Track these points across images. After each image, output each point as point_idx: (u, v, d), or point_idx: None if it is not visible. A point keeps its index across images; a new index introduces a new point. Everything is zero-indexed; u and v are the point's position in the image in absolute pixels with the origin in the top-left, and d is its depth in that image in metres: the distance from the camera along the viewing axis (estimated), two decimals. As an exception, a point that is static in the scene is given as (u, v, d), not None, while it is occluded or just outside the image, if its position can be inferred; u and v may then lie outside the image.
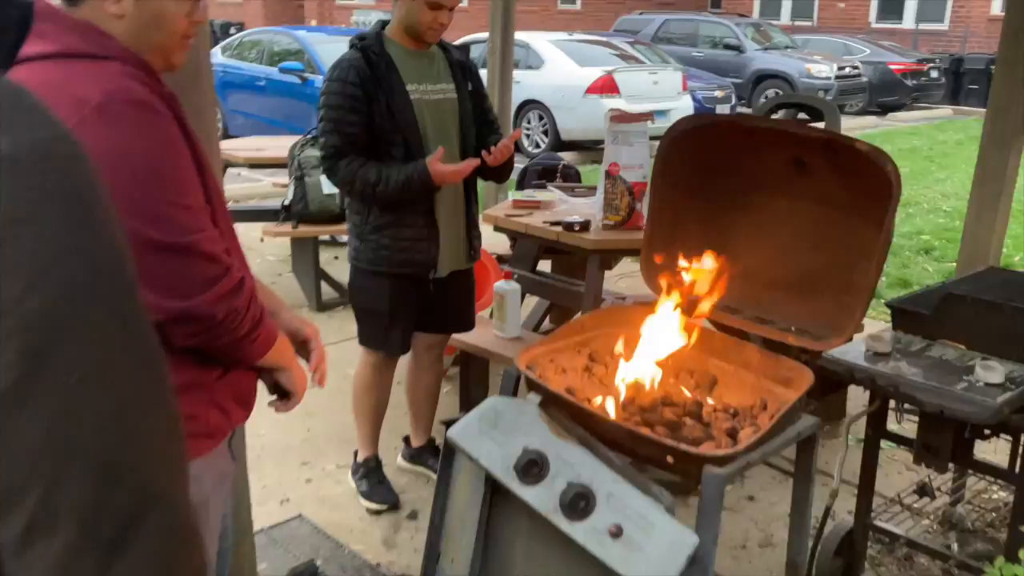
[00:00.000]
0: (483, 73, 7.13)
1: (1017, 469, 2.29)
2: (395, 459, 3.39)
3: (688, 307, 2.17)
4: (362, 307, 3.01)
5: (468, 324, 3.22)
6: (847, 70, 15.17)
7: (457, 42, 13.25)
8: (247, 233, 6.46)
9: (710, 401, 2.07)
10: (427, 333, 3.13)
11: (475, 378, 3.64)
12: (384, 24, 2.88)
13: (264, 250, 6.06)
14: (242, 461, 2.23)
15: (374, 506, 3.10)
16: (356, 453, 3.25)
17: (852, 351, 2.31)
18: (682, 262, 2.21)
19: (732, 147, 2.19)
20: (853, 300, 2.00)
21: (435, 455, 3.23)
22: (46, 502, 0.66)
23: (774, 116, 3.59)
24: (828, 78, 14.71)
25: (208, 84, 2.00)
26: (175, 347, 1.39)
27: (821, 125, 3.63)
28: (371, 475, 3.17)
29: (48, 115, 0.72)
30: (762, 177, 2.16)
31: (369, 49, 2.74)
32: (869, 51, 16.98)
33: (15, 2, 0.80)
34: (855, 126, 14.61)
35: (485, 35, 7.47)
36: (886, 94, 16.40)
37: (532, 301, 4.42)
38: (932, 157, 11.11)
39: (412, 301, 2.94)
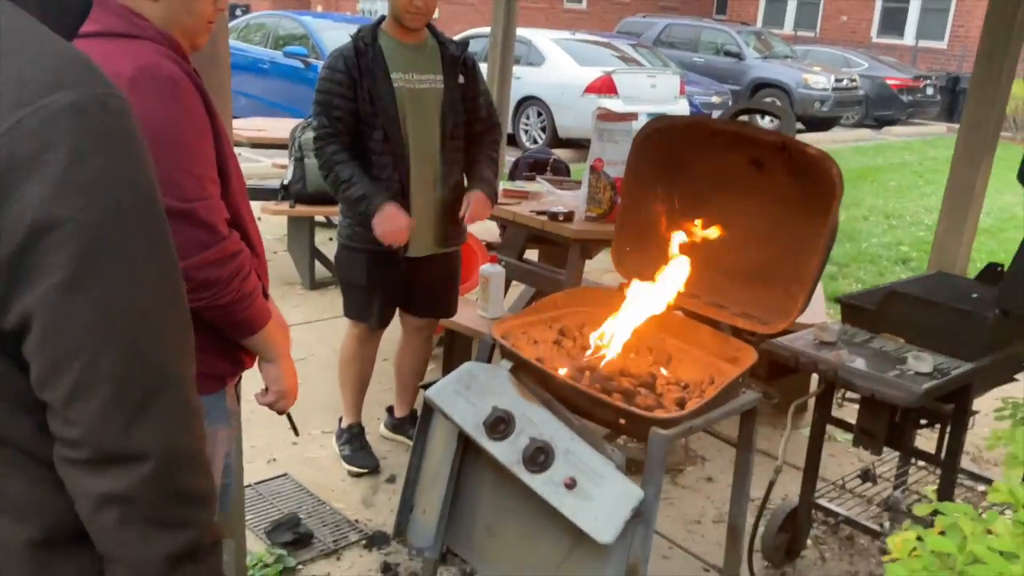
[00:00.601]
0: (483, 67, 7.33)
1: (943, 454, 2.49)
2: (378, 428, 3.59)
3: (652, 291, 2.37)
4: (344, 281, 3.24)
5: (449, 310, 3.42)
6: (844, 82, 15.38)
7: (459, 36, 13.44)
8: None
9: (665, 374, 2.27)
10: (412, 316, 3.35)
11: (458, 355, 3.84)
12: (383, 19, 3.07)
13: (262, 228, 6.23)
14: (239, 423, 2.41)
15: (355, 469, 3.30)
16: (340, 420, 3.45)
17: (801, 339, 2.52)
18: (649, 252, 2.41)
19: (698, 147, 2.39)
20: (799, 289, 2.20)
21: (415, 425, 3.43)
22: (89, 369, 0.88)
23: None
24: (825, 89, 14.92)
25: (225, 63, 2.18)
26: None
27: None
28: (353, 440, 3.37)
29: (105, 77, 0.93)
30: (724, 175, 2.36)
31: (361, 39, 2.95)
32: (868, 65, 17.21)
33: None
34: (850, 138, 14.86)
35: (488, 30, 7.65)
36: (882, 108, 16.64)
37: (520, 288, 4.63)
38: (921, 172, 11.34)
39: (389, 276, 3.13)
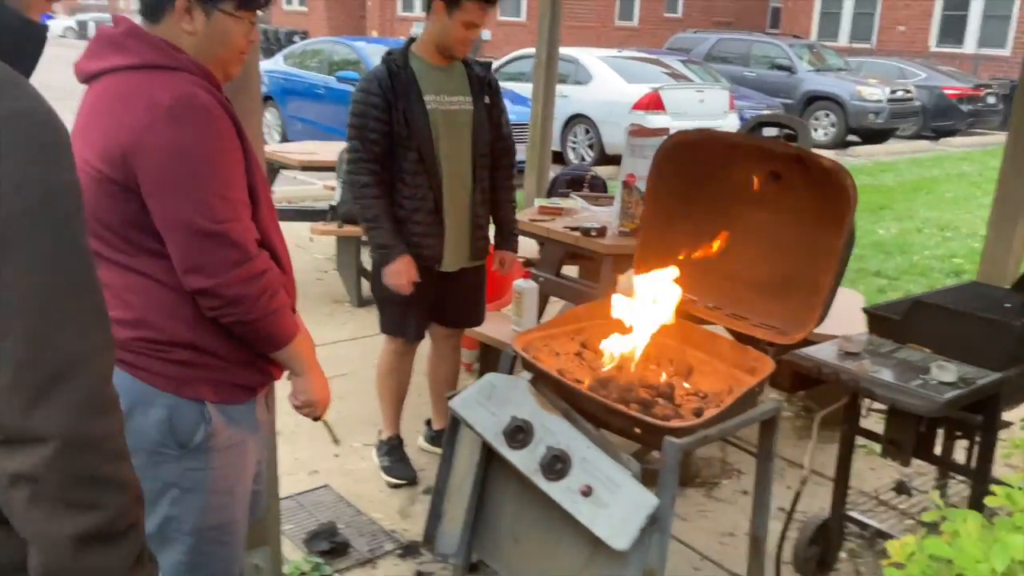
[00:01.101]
0: (528, 87, 7.39)
1: (973, 464, 2.46)
2: (416, 440, 3.67)
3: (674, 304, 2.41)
4: (381, 296, 3.30)
5: (478, 319, 3.51)
6: (900, 93, 15.12)
7: (508, 56, 13.54)
8: (298, 232, 6.85)
9: (686, 385, 2.30)
10: (443, 327, 3.45)
11: (493, 369, 3.89)
12: (412, 40, 3.16)
13: (313, 248, 6.41)
14: (272, 431, 2.51)
15: (393, 480, 3.38)
16: (380, 432, 3.54)
17: (825, 350, 2.52)
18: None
19: (718, 160, 2.42)
20: (818, 299, 2.22)
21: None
22: None
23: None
24: (879, 101, 14.69)
25: (256, 91, 2.29)
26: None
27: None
28: (392, 452, 3.46)
29: (34, 93, 1.02)
30: (743, 188, 2.39)
31: (393, 62, 3.03)
32: (925, 75, 16.87)
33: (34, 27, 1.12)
34: (906, 150, 14.59)
35: (535, 50, 7.75)
36: (940, 119, 16.30)
37: (559, 304, 4.68)
38: (979, 183, 11.07)
39: (423, 292, 3.19)
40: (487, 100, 3.16)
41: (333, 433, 2.19)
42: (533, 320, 3.72)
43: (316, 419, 2.02)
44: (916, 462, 2.70)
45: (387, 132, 3.03)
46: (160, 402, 1.70)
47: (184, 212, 1.59)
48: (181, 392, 1.71)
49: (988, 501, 1.41)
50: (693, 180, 2.48)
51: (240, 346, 1.75)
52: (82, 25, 40.61)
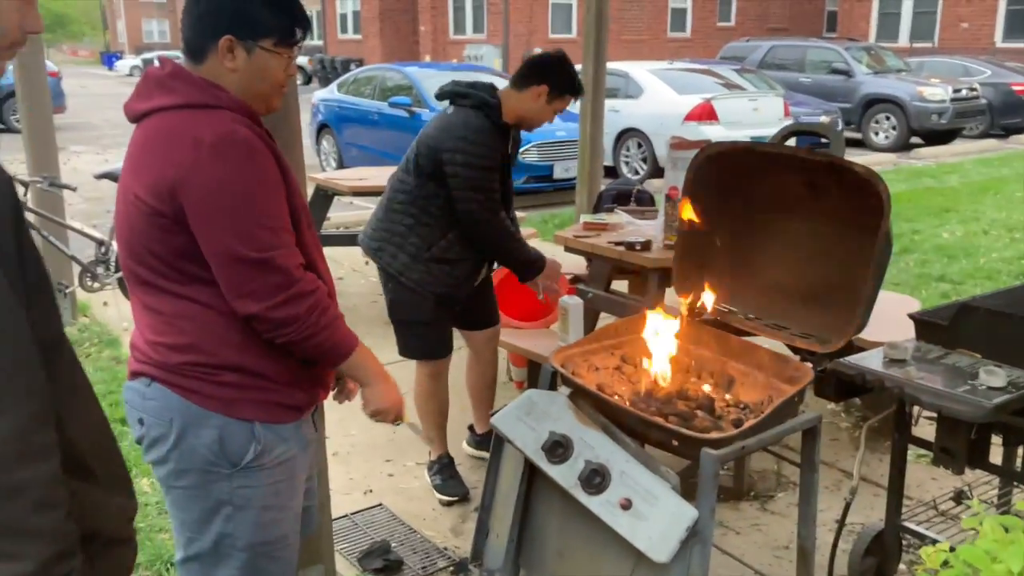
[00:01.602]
0: (577, 103, 7.46)
1: (1028, 471, 2.40)
2: (460, 446, 3.74)
3: (712, 316, 2.41)
4: (403, 319, 3.35)
5: (497, 315, 3.67)
6: (964, 92, 14.73)
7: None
8: (354, 256, 6.98)
9: (727, 397, 2.30)
10: (478, 331, 3.54)
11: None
12: (494, 91, 3.19)
13: (368, 271, 6.53)
14: (324, 452, 2.58)
15: (446, 498, 3.43)
16: (430, 452, 3.59)
17: (871, 358, 2.49)
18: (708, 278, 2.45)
19: (751, 171, 2.42)
20: (857, 307, 2.20)
21: (481, 438, 3.63)
22: None
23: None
24: (943, 101, 14.33)
25: (296, 122, 2.38)
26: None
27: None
28: (444, 471, 3.51)
29: None
30: (778, 198, 2.39)
31: (496, 122, 3.14)
32: (990, 72, 16.40)
33: None
34: (973, 150, 14.20)
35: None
36: (1009, 116, 15.82)
37: (609, 319, 4.69)
38: (1051, 181, 10.72)
39: (450, 311, 3.36)
40: (510, 151, 3.33)
41: (419, 431, 2.21)
42: (579, 335, 3.73)
43: (396, 423, 2.06)
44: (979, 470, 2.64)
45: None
46: (211, 423, 1.78)
47: (230, 242, 1.67)
48: (231, 413, 1.78)
49: (1019, 505, 1.38)
50: (727, 191, 2.48)
51: (287, 368, 1.83)
52: (148, 63, 42.08)
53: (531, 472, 2.33)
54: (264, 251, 1.69)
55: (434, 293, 3.24)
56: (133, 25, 57.15)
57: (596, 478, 2.05)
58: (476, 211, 3.09)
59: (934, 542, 2.67)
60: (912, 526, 2.72)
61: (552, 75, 3.14)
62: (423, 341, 3.38)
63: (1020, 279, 6.53)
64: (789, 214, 2.41)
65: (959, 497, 2.81)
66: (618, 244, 3.78)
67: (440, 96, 3.24)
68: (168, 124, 1.72)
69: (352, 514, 3.34)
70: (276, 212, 1.74)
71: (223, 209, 1.67)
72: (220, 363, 1.77)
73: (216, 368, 1.77)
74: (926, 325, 2.55)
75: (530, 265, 3.29)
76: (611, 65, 8.21)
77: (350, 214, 8.69)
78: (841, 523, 2.54)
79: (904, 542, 2.95)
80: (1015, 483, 2.93)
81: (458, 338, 3.54)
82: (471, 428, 3.76)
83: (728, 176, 2.48)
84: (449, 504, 3.42)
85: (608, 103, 7.59)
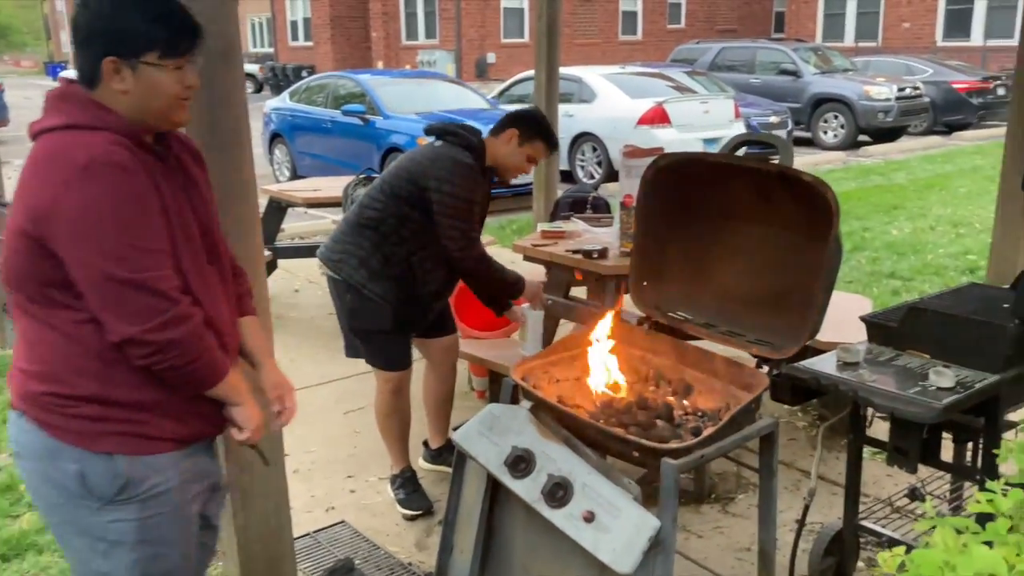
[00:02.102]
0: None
1: (979, 467, 2.46)
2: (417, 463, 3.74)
3: (667, 324, 2.43)
4: (364, 328, 3.35)
5: (453, 323, 3.68)
6: (908, 91, 15.07)
7: (513, 79, 13.57)
8: (310, 267, 6.91)
9: (685, 404, 2.32)
10: (434, 339, 3.54)
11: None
12: (479, 135, 3.32)
13: (324, 282, 6.47)
14: (281, 471, 2.55)
15: (410, 512, 3.41)
16: (392, 467, 3.57)
17: (825, 361, 2.53)
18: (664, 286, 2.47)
19: (703, 181, 2.45)
20: (810, 312, 2.24)
21: (451, 453, 3.55)
22: None
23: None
24: (888, 99, 14.65)
25: (246, 139, 2.34)
26: (139, 367, 1.70)
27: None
28: (407, 484, 3.49)
29: None
30: (730, 206, 2.42)
31: (482, 169, 3.28)
32: (932, 71, 16.81)
33: None
34: (918, 146, 14.53)
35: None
36: (951, 113, 16.23)
37: (570, 326, 4.71)
38: (993, 177, 10.95)
39: (410, 319, 3.37)
40: None
41: (264, 455, 2.14)
42: (538, 344, 3.75)
43: (253, 446, 1.98)
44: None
45: None
46: (71, 456, 1.72)
47: (101, 263, 1.63)
48: (89, 446, 1.73)
49: (971, 507, 1.42)
50: (680, 202, 2.51)
51: (155, 398, 1.76)
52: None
53: (494, 487, 2.33)
54: (139, 272, 1.64)
55: (394, 303, 3.25)
56: (77, 35, 55.78)
57: (559, 491, 2.06)
58: (458, 238, 3.18)
59: (891, 540, 2.73)
60: (870, 525, 2.77)
61: (522, 121, 3.31)
62: (383, 351, 3.38)
63: (967, 274, 6.70)
64: (741, 222, 2.45)
65: (913, 494, 2.86)
66: (575, 252, 3.80)
67: (429, 132, 3.37)
68: (52, 145, 1.68)
69: (314, 532, 3.31)
70: (152, 235, 1.68)
71: (93, 229, 1.62)
72: (78, 393, 1.72)
73: (73, 399, 1.72)
74: (877, 327, 2.60)
75: (511, 287, 3.36)
76: (564, 70, 8.25)
77: (304, 224, 8.62)
78: (801, 524, 2.58)
79: (861, 539, 3.00)
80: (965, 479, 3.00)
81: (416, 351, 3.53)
82: (425, 443, 3.74)
83: (681, 185, 2.51)
84: (412, 518, 3.41)
85: (562, 108, 7.64)
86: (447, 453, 3.63)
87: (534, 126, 3.32)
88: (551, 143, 3.37)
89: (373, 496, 3.59)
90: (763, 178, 2.32)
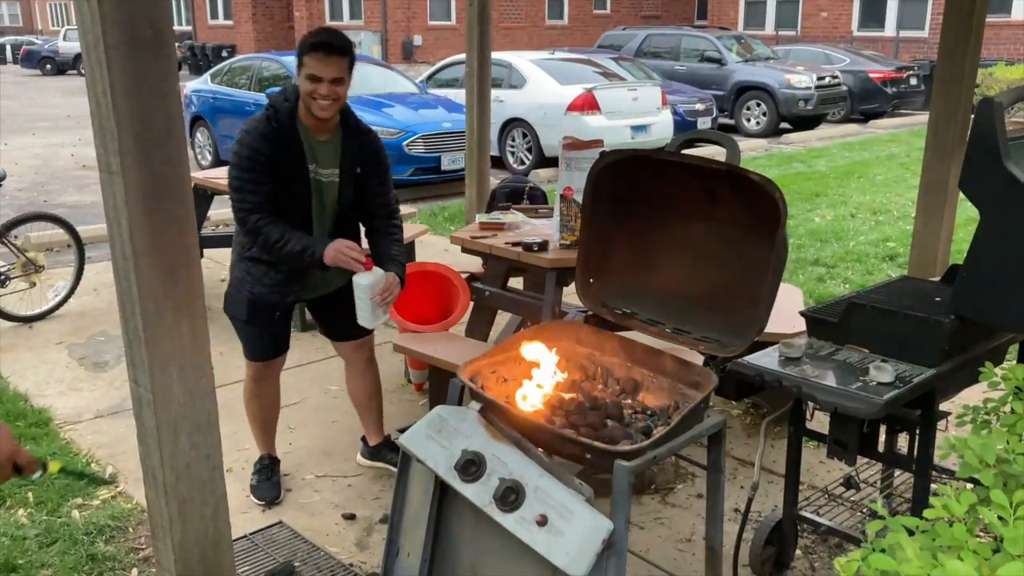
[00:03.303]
0: (461, 93, 7.37)
1: (915, 457, 2.53)
2: (356, 457, 3.72)
3: (614, 320, 2.42)
4: (230, 315, 3.32)
5: (360, 331, 3.36)
6: (827, 80, 15.47)
7: (441, 63, 13.45)
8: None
9: (631, 403, 2.32)
10: (340, 342, 3.47)
11: (442, 390, 3.88)
12: (290, 95, 3.05)
13: (252, 273, 6.29)
14: (220, 476, 2.46)
15: (256, 500, 3.43)
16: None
17: (767, 357, 2.56)
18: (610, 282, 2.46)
19: (651, 178, 2.45)
20: (756, 311, 2.25)
21: (394, 450, 3.52)
22: None
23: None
24: (808, 88, 15.01)
25: (181, 136, 2.22)
26: None
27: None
28: (262, 472, 3.52)
29: None
30: (677, 204, 2.42)
31: (281, 126, 3.01)
32: (849, 60, 17.30)
33: None
34: (837, 134, 14.94)
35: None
36: (867, 102, 16.73)
37: (507, 316, 4.70)
38: (908, 164, 11.39)
39: (275, 318, 3.29)
40: (359, 171, 3.16)
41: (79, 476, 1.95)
42: (369, 316, 3.13)
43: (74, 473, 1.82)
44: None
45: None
46: None
47: None
48: None
49: (927, 514, 1.44)
50: (627, 198, 2.50)
51: None
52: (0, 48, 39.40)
53: (442, 489, 2.29)
54: None
55: (248, 292, 3.20)
56: (-21, 8, 53.26)
57: (511, 495, 2.03)
58: (235, 212, 3.05)
59: (829, 529, 2.80)
60: (808, 515, 2.83)
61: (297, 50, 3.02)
62: (243, 339, 3.35)
63: (887, 262, 6.92)
64: (688, 220, 2.45)
65: (848, 483, 2.94)
66: (515, 245, 3.77)
67: None
68: None
69: (251, 534, 3.21)
70: None
71: None
72: None
73: None
74: (817, 322, 2.65)
75: (299, 256, 2.99)
76: (494, 55, 8.17)
77: (229, 211, 8.37)
78: (744, 516, 2.62)
79: (799, 528, 3.06)
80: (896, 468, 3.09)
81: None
82: (363, 439, 3.68)
83: (627, 182, 2.49)
84: (261, 507, 3.41)
85: (492, 93, 7.58)
86: (386, 450, 3.58)
87: (298, 47, 2.98)
88: (316, 44, 2.91)
89: (311, 495, 3.51)
90: (709, 176, 2.33)
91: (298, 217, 3.08)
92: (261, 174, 2.97)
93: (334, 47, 2.94)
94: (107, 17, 1.97)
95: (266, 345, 3.35)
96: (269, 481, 3.47)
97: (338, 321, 3.39)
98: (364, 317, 3.10)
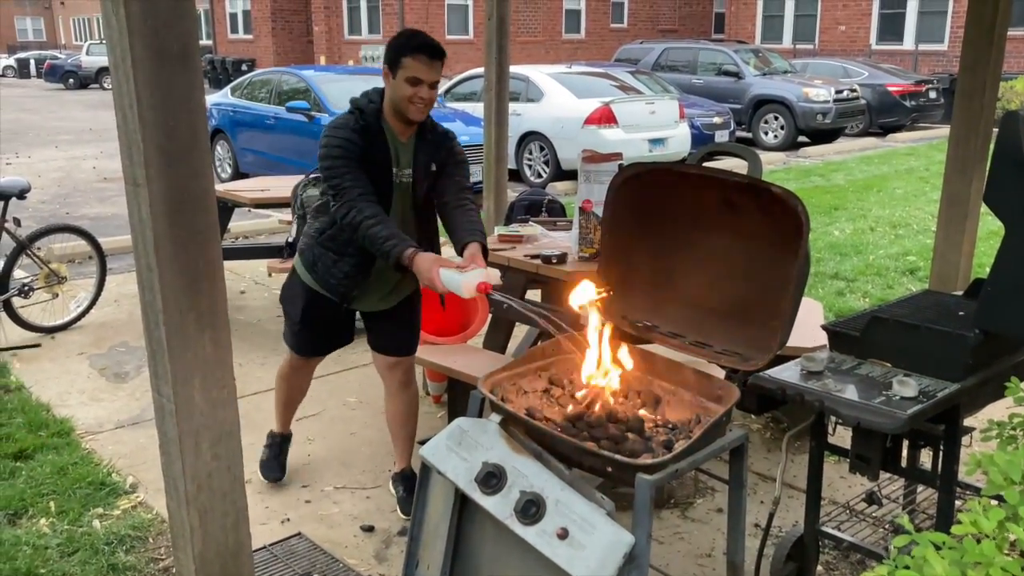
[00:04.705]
0: (479, 107, 7.36)
1: (939, 472, 2.50)
2: (374, 468, 3.75)
3: (635, 334, 2.42)
4: (284, 305, 3.40)
5: (405, 347, 3.39)
6: (845, 93, 15.43)
7: (459, 76, 13.54)
8: (256, 268, 6.76)
9: (654, 417, 2.31)
10: (378, 354, 3.43)
11: (462, 400, 3.88)
12: (375, 96, 3.07)
13: (272, 284, 6.34)
14: (240, 487, 2.47)
15: (260, 475, 3.62)
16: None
17: (789, 371, 2.55)
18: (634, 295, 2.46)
19: (671, 191, 2.45)
20: (778, 324, 2.24)
21: (402, 482, 3.49)
22: None
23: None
24: (826, 101, 14.97)
25: (205, 147, 2.24)
26: None
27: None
28: (272, 448, 3.68)
29: None
30: (698, 217, 2.42)
31: (368, 123, 3.02)
32: (868, 73, 17.25)
33: None
34: (855, 147, 14.89)
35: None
36: (886, 115, 16.67)
37: (525, 329, 4.69)
38: (927, 178, 11.32)
39: (327, 317, 3.31)
40: (433, 168, 3.12)
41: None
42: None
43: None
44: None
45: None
46: None
47: None
48: None
49: (955, 530, 1.43)
50: (648, 211, 2.50)
51: None
52: (23, 63, 39.95)
53: (462, 501, 2.29)
54: None
55: (308, 288, 3.24)
56: (5, 23, 54.06)
57: (532, 508, 2.03)
58: (332, 197, 2.99)
59: (851, 545, 2.77)
60: (830, 530, 2.80)
61: (385, 57, 2.99)
62: (289, 330, 3.44)
63: (907, 275, 6.87)
64: (709, 233, 2.45)
65: (871, 499, 2.91)
66: (534, 257, 3.77)
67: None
68: None
69: (270, 545, 3.22)
70: None
71: None
72: None
73: None
74: (839, 336, 2.63)
75: (383, 243, 2.87)
76: (512, 69, 8.21)
77: (249, 223, 8.44)
78: (766, 532, 2.60)
79: (820, 543, 3.03)
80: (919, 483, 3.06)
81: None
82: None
83: (648, 195, 2.50)
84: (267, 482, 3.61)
85: (510, 107, 7.60)
86: (396, 481, 3.52)
87: (394, 50, 2.94)
88: (419, 46, 2.90)
89: (330, 507, 3.51)
90: (730, 189, 2.32)
91: None
92: (354, 161, 2.92)
93: (437, 50, 2.93)
94: (135, 31, 1.99)
95: (309, 341, 3.40)
96: (275, 460, 3.64)
97: (381, 333, 3.38)
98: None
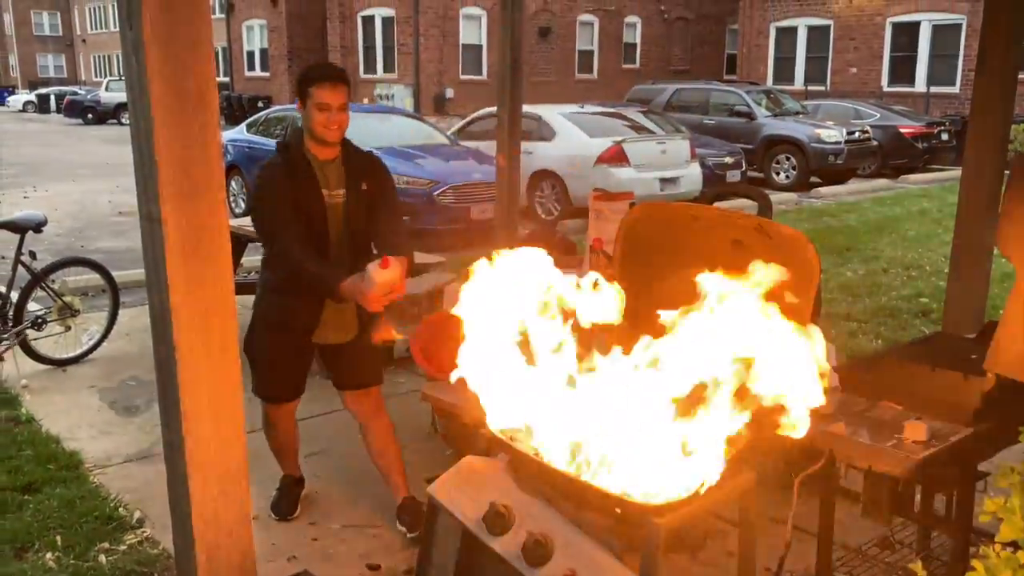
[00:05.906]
0: (492, 144, 7.41)
1: (954, 518, 2.47)
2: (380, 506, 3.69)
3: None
4: (250, 356, 3.37)
5: (370, 377, 3.52)
6: (856, 134, 15.49)
7: (473, 115, 13.64)
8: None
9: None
10: (347, 391, 3.52)
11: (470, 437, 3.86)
12: (294, 133, 3.30)
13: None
14: (247, 525, 2.46)
15: (272, 515, 3.66)
16: None
17: (800, 412, 2.53)
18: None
19: (681, 230, 2.45)
20: (789, 366, 2.23)
21: (407, 512, 3.51)
22: None
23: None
24: (838, 142, 15.03)
25: (221, 184, 2.27)
26: None
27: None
28: (282, 489, 3.74)
29: None
30: (709, 256, 2.41)
31: (290, 159, 3.21)
32: (879, 115, 17.33)
33: None
34: (867, 189, 14.90)
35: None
36: (897, 157, 16.71)
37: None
38: (939, 219, 11.30)
39: (293, 356, 3.40)
40: (364, 187, 3.29)
41: None
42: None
43: None
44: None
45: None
46: None
47: None
48: None
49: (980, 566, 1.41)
50: (658, 251, 2.50)
51: None
52: (43, 99, 40.62)
53: (469, 539, 2.27)
54: None
55: (266, 321, 3.35)
56: (27, 59, 55.14)
57: (539, 549, 2.01)
58: (260, 238, 3.32)
59: (864, 591, 2.72)
60: (842, 574, 2.77)
61: (296, 86, 3.25)
62: (257, 379, 3.44)
63: (919, 318, 6.83)
64: (719, 272, 2.44)
65: (884, 543, 2.87)
66: (544, 295, 3.77)
67: None
68: None
69: (276, 583, 3.20)
70: None
71: None
72: None
73: None
74: (850, 377, 2.62)
75: (316, 279, 3.13)
76: (524, 108, 8.29)
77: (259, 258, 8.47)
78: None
79: (833, 590, 2.99)
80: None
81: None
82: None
83: (657, 235, 2.50)
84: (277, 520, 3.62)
85: (522, 145, 7.66)
86: (402, 513, 3.53)
87: (301, 83, 3.18)
88: (322, 76, 3.14)
89: (336, 545, 3.49)
90: (740, 229, 2.33)
91: (317, 241, 3.21)
92: (280, 200, 3.13)
93: (340, 76, 3.19)
94: (154, 71, 2.03)
95: (272, 384, 3.43)
96: (285, 499, 3.69)
97: (344, 370, 3.48)
98: None
